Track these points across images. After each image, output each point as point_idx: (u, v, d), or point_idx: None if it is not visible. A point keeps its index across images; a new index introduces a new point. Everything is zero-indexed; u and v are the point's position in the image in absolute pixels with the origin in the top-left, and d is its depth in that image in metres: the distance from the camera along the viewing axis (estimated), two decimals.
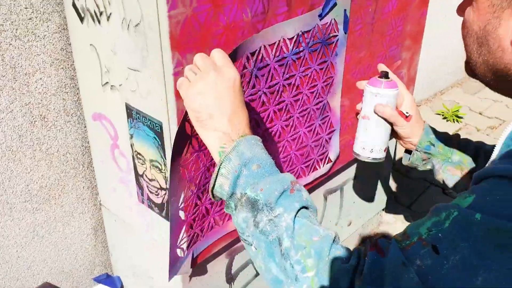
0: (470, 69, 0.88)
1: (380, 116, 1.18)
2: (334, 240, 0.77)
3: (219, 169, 0.83)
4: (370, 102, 1.19)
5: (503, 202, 0.67)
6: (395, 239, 0.74)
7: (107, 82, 1.18)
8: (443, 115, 3.00)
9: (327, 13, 1.30)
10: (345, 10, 1.35)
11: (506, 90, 0.85)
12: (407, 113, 1.21)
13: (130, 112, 1.15)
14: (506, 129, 0.79)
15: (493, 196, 0.68)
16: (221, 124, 0.86)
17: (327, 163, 1.58)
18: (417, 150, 1.25)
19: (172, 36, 0.96)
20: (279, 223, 0.77)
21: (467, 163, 1.23)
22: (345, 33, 1.38)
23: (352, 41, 1.42)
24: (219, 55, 0.90)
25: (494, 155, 0.81)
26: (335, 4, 1.30)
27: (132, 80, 1.10)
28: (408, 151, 1.30)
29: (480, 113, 3.04)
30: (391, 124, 1.20)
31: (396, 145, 2.39)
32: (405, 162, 1.31)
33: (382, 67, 1.24)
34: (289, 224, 0.77)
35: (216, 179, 0.84)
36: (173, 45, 0.97)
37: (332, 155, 1.58)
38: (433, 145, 1.24)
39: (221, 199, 0.87)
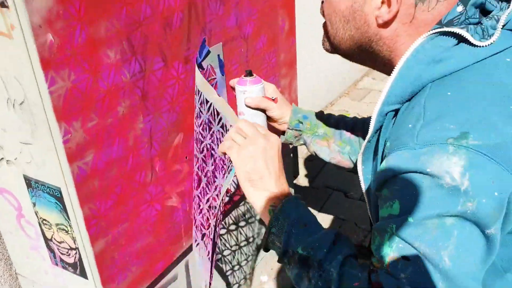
0: (333, 45, 1.03)
1: (252, 108, 1.33)
2: (370, 278, 0.83)
3: (270, 228, 0.94)
4: (240, 99, 1.33)
5: (417, 195, 0.79)
6: (377, 268, 0.83)
7: (2, 158, 1.23)
8: None
9: (203, 61, 1.43)
10: (218, 55, 1.49)
11: (367, 61, 1.01)
12: (272, 97, 1.37)
13: (29, 182, 1.21)
14: (376, 106, 0.92)
15: (408, 193, 0.80)
16: (270, 185, 0.97)
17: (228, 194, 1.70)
18: (289, 129, 1.41)
19: (56, 109, 1.04)
20: (327, 277, 0.86)
21: (331, 134, 1.41)
22: (223, 75, 1.52)
23: None
24: (261, 125, 1.04)
25: (370, 130, 0.95)
26: (208, 52, 1.44)
27: (26, 153, 1.16)
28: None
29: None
30: (264, 112, 1.34)
31: (297, 160, 2.57)
32: (282, 140, 1.47)
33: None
34: (335, 278, 0.85)
35: (268, 236, 0.95)
36: (58, 117, 1.05)
37: (232, 188, 1.71)
38: (301, 122, 1.40)
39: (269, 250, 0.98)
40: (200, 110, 1.36)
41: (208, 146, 1.39)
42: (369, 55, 0.96)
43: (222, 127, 1.31)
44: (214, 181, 1.39)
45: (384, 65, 0.97)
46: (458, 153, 0.75)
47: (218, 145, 1.27)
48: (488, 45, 0.83)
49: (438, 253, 0.77)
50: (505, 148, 0.76)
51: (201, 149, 1.41)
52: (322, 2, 1.01)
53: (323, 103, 3.41)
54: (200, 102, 1.36)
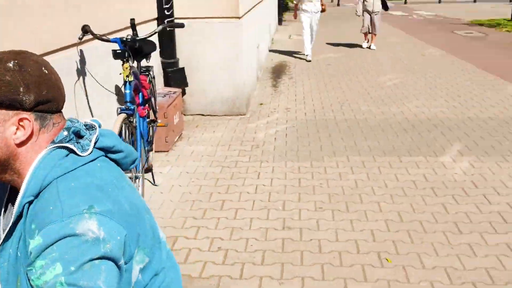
0: None
1: None
2: None
3: None
4: None
5: (73, 251, 1.05)
6: None
7: None
8: None
9: None
10: None
11: (1, 173, 1.21)
12: None
13: None
14: (17, 201, 1.15)
15: (66, 253, 1.05)
16: None
17: None
18: None
19: None
20: None
21: None
22: None
23: None
24: None
25: (12, 221, 1.16)
26: None
27: None
28: None
29: None
30: None
31: None
32: None
33: None
34: None
35: None
36: None
37: None
38: None
39: None
40: None
41: None
42: (5, 168, 1.21)
43: None
44: None
45: (13, 174, 1.22)
46: (92, 217, 1.10)
47: None
48: (87, 155, 1.22)
49: (95, 283, 1.05)
50: (112, 213, 1.14)
51: None
52: None
53: None
54: None
